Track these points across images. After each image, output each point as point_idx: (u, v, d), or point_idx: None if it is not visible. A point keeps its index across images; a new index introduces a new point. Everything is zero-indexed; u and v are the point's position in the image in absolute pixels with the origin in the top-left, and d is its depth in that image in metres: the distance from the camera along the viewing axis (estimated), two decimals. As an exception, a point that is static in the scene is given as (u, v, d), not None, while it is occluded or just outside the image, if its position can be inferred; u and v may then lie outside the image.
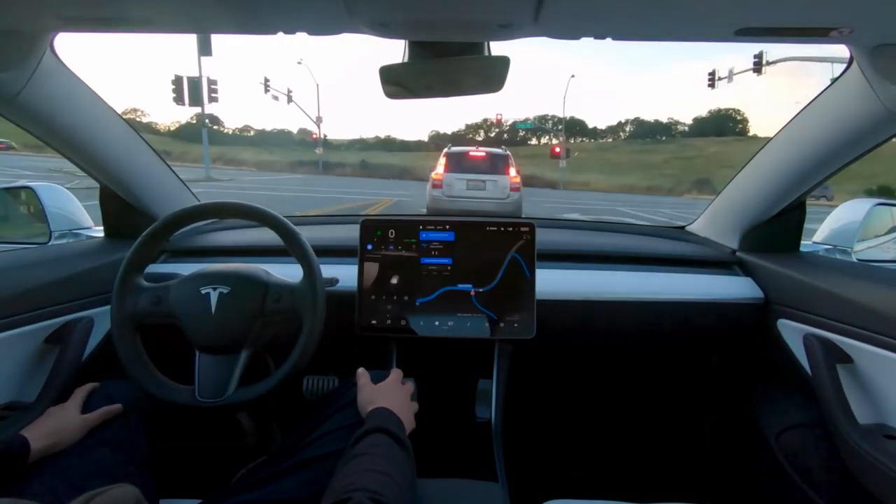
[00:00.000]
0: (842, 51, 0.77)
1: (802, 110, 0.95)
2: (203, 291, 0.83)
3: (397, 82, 0.81)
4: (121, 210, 1.14)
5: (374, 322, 1.03)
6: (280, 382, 0.81)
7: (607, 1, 0.57)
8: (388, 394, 0.77)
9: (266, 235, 0.89)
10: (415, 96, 0.84)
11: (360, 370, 0.83)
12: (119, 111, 1.03)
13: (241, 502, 0.70)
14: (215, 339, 0.82)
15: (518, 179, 7.41)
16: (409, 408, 0.79)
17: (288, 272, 0.93)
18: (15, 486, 0.65)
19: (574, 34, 0.66)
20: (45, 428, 0.72)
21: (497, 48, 0.75)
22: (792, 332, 1.01)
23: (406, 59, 0.76)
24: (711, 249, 1.25)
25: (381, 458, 0.61)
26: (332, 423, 0.77)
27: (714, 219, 1.30)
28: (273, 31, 0.67)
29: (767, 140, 1.07)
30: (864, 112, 0.81)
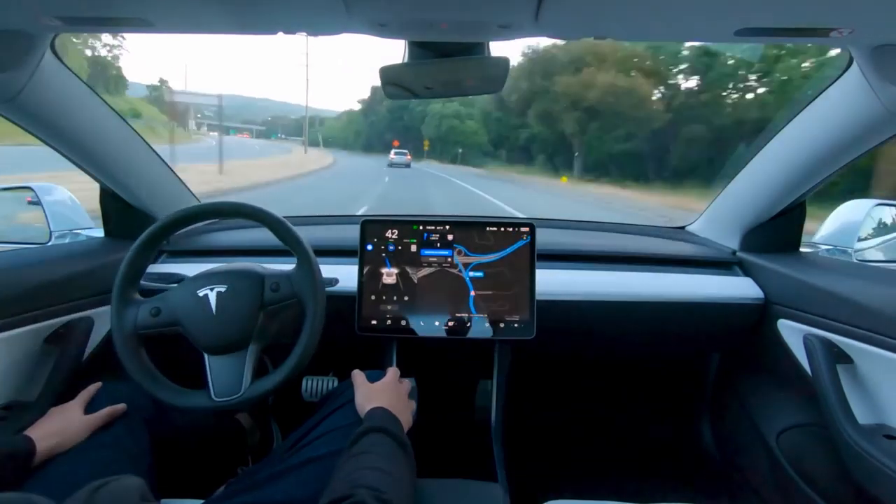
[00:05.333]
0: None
1: (802, 110, 0.95)
2: (201, 294, 0.82)
3: (397, 82, 0.81)
4: (121, 210, 1.14)
5: (374, 322, 1.03)
6: (294, 369, 0.81)
7: (607, 1, 0.57)
8: (385, 393, 0.77)
9: (266, 235, 0.89)
10: (415, 96, 0.84)
11: (356, 371, 0.83)
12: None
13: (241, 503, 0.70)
14: (221, 339, 0.82)
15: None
16: (406, 406, 0.79)
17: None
18: (19, 486, 0.65)
19: (574, 34, 0.66)
20: (50, 428, 0.72)
21: (497, 48, 0.75)
22: (792, 332, 1.01)
23: (406, 59, 0.76)
24: (712, 249, 1.25)
25: (382, 457, 0.61)
26: (330, 423, 0.77)
27: (714, 219, 1.30)
28: (273, 31, 0.67)
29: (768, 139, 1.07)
30: (863, 112, 0.81)
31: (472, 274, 1.03)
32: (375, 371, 0.85)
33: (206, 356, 0.83)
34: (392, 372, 0.84)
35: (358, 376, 0.82)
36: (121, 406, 0.78)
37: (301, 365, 0.82)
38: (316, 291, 0.83)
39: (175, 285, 0.88)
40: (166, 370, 0.83)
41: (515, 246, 1.03)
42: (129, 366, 0.80)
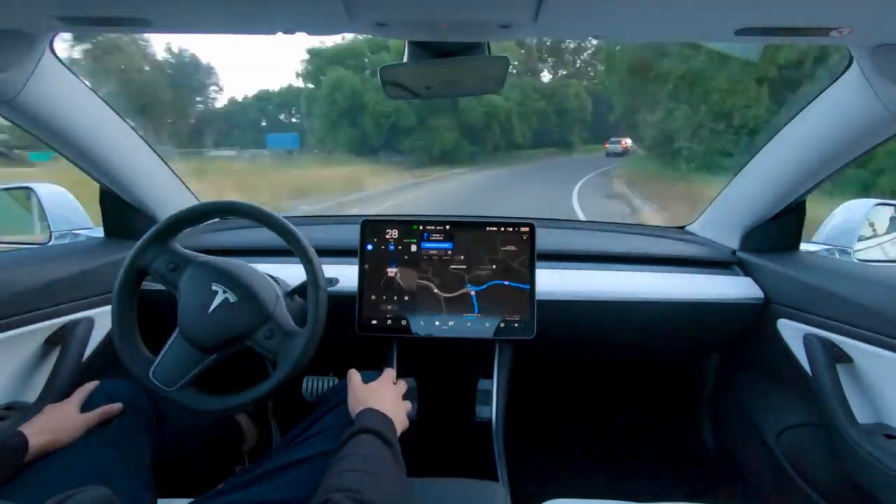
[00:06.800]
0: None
1: (802, 110, 0.95)
2: (213, 288, 0.82)
3: (397, 82, 0.81)
4: (120, 210, 1.14)
5: (374, 322, 1.03)
6: (228, 409, 0.81)
7: (607, 1, 0.57)
8: (378, 394, 0.76)
9: (267, 235, 0.89)
10: (415, 96, 0.84)
11: (351, 371, 0.82)
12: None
13: (231, 502, 0.69)
14: (195, 333, 0.81)
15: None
16: (400, 407, 0.78)
17: (289, 272, 0.93)
18: (11, 483, 0.64)
19: (574, 34, 0.67)
20: (44, 425, 0.71)
21: (497, 48, 0.75)
22: (792, 332, 1.01)
23: (406, 59, 0.76)
24: (712, 249, 1.25)
25: (364, 458, 0.61)
26: (324, 423, 0.77)
27: (714, 219, 1.30)
28: (272, 32, 0.67)
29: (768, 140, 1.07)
30: (864, 112, 0.81)
31: (475, 289, 1.03)
32: (372, 371, 0.85)
33: (175, 332, 0.83)
34: (387, 372, 0.84)
35: (353, 377, 0.81)
36: (117, 405, 0.78)
37: (237, 410, 0.82)
38: (298, 357, 0.80)
39: (204, 257, 0.88)
40: (152, 333, 0.84)
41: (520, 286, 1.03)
42: (116, 297, 0.82)
